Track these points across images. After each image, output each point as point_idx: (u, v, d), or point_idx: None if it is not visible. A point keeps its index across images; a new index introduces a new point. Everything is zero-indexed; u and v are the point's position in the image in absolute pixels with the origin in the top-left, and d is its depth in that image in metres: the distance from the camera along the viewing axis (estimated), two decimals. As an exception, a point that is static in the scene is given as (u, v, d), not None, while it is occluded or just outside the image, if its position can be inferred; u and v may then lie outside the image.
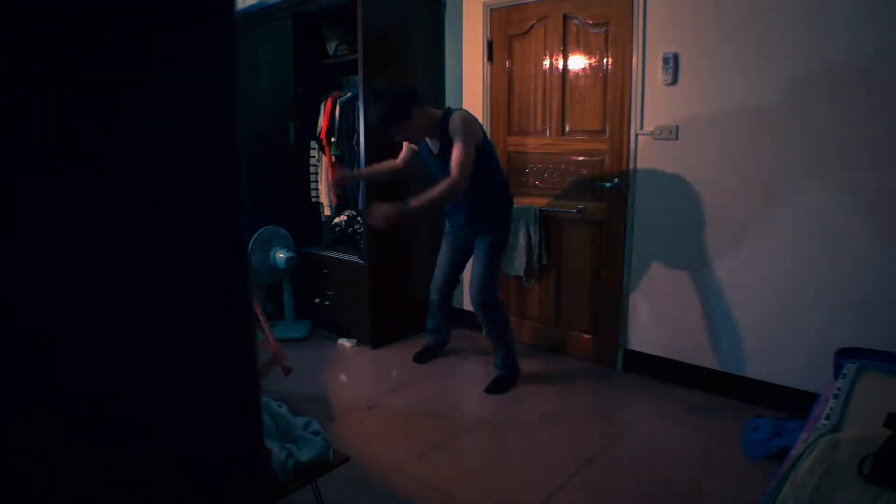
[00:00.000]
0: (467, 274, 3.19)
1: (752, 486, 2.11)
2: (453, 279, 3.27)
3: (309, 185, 3.96)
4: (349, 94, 3.64)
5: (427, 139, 2.86)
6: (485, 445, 2.55)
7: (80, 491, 0.82)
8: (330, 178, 3.77)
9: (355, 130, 3.55)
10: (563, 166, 3.31)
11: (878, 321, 2.40)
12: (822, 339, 2.47)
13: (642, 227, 3.05)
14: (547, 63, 3.29)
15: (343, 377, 3.32)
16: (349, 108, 3.61)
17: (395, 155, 3.19)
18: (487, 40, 3.52)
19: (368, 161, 3.35)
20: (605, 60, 3.07)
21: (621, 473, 2.30)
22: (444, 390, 3.06)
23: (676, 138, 2.86)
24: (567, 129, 3.27)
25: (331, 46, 3.81)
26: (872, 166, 2.37)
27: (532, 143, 3.42)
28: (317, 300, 3.88)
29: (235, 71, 0.90)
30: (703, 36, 2.72)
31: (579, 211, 3.26)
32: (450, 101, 3.69)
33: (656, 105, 2.90)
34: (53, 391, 0.77)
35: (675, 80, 2.81)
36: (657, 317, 3.06)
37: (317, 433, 1.84)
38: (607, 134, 3.10)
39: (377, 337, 3.62)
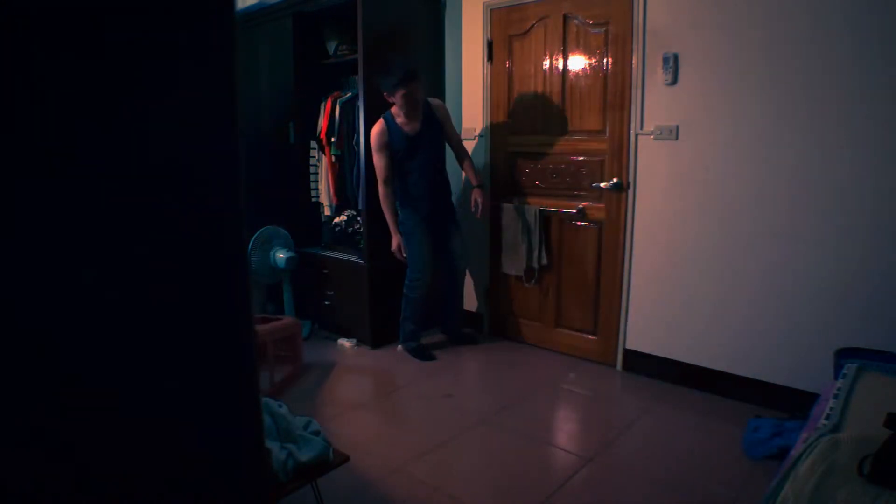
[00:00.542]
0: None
1: (752, 486, 2.12)
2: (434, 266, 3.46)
3: (309, 185, 3.97)
4: (349, 94, 3.64)
5: (406, 119, 3.21)
6: (485, 445, 2.55)
7: (81, 490, 0.82)
8: (330, 178, 3.78)
9: (355, 130, 3.55)
10: (563, 166, 3.31)
11: (878, 321, 2.40)
12: (822, 339, 2.47)
13: (642, 227, 3.05)
14: (547, 63, 3.29)
15: (345, 377, 3.33)
16: (349, 108, 3.61)
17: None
18: (487, 40, 3.52)
19: (368, 161, 3.36)
20: (605, 60, 3.07)
21: (621, 473, 2.30)
22: (444, 390, 3.06)
23: (676, 138, 2.86)
24: (567, 129, 3.27)
25: (331, 46, 3.81)
26: (873, 166, 2.37)
27: (532, 143, 3.42)
28: (326, 302, 3.88)
29: (235, 71, 0.90)
30: (703, 36, 2.72)
31: (579, 211, 3.26)
32: (450, 101, 3.69)
33: (656, 105, 2.90)
34: (53, 391, 0.77)
35: (675, 80, 2.81)
36: (657, 317, 3.06)
37: (317, 433, 1.84)
38: (607, 134, 3.10)
39: (377, 337, 3.62)
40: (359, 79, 3.37)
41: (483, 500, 2.15)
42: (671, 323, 3.01)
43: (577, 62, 3.18)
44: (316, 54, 3.84)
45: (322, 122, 3.73)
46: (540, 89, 3.34)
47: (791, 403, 2.55)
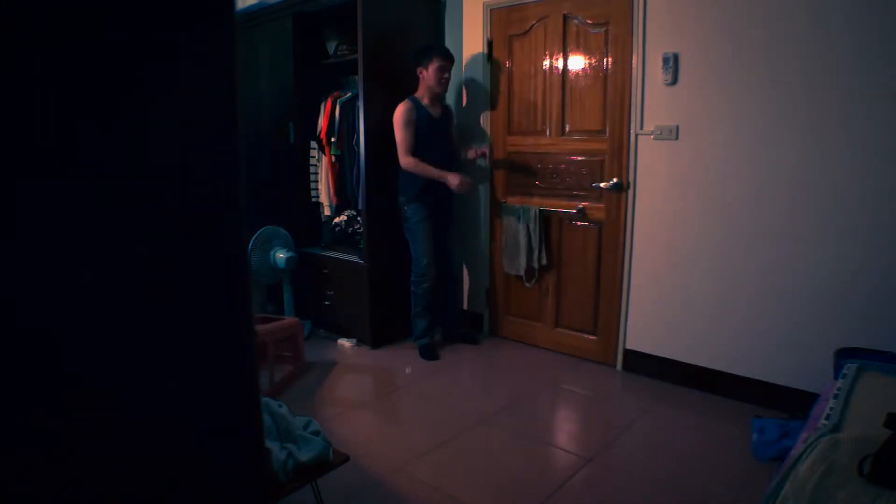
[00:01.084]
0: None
1: (752, 486, 2.12)
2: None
3: (309, 185, 3.96)
4: (349, 94, 3.64)
5: (430, 101, 3.33)
6: (485, 445, 2.54)
7: (81, 490, 0.82)
8: (330, 178, 3.78)
9: (355, 130, 3.55)
10: (563, 166, 3.31)
11: (878, 321, 2.40)
12: (822, 339, 2.47)
13: (642, 227, 3.05)
14: (547, 63, 3.29)
15: (345, 377, 3.33)
16: (349, 108, 3.61)
17: (395, 154, 3.30)
18: (487, 40, 3.52)
19: (368, 161, 3.37)
20: (605, 60, 3.06)
21: (621, 473, 2.30)
22: (444, 390, 3.06)
23: (676, 138, 2.86)
24: (567, 129, 3.27)
25: (331, 46, 3.81)
26: (873, 166, 2.37)
27: (532, 143, 3.42)
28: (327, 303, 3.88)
29: (235, 71, 0.90)
30: (703, 36, 2.72)
31: (579, 211, 3.26)
32: (450, 101, 3.69)
33: (656, 105, 2.90)
34: (53, 391, 0.77)
35: (675, 80, 2.81)
36: (657, 317, 3.06)
37: (317, 433, 1.84)
38: (607, 134, 3.10)
39: (377, 337, 3.62)
40: (359, 79, 3.36)
41: (483, 500, 2.15)
42: (671, 323, 3.01)
43: (577, 62, 3.18)
44: (316, 54, 3.84)
45: (322, 122, 3.73)
46: (540, 89, 3.34)
47: (791, 403, 2.55)
